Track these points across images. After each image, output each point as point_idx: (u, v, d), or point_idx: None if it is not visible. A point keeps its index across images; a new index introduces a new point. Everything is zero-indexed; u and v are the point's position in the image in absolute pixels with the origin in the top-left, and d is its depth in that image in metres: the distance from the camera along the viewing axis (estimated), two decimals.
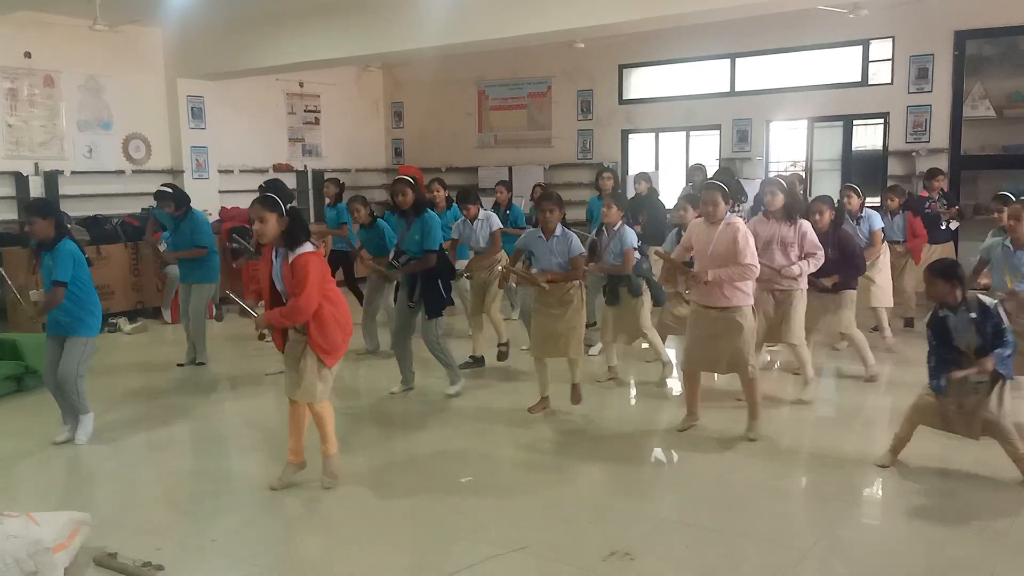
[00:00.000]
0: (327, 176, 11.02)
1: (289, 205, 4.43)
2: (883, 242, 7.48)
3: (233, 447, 5.66)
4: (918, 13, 10.15)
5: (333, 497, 4.49)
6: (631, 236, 6.22)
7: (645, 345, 6.87)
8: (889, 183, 10.46)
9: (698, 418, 5.47)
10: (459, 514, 4.27)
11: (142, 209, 10.79)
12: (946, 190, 9.27)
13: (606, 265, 6.23)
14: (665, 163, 12.40)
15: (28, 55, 10.04)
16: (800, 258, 5.77)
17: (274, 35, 10.11)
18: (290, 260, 4.32)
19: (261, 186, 7.36)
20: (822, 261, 5.85)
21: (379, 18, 9.35)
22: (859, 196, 7.27)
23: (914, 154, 10.50)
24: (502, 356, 7.20)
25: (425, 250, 6.04)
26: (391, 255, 6.54)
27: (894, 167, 10.67)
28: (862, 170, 11.08)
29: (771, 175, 11.39)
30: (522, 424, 5.72)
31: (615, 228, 6.22)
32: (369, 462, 4.60)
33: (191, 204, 7.49)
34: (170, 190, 7.49)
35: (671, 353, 6.75)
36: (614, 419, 5.92)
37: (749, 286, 5.19)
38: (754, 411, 5.31)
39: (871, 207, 7.75)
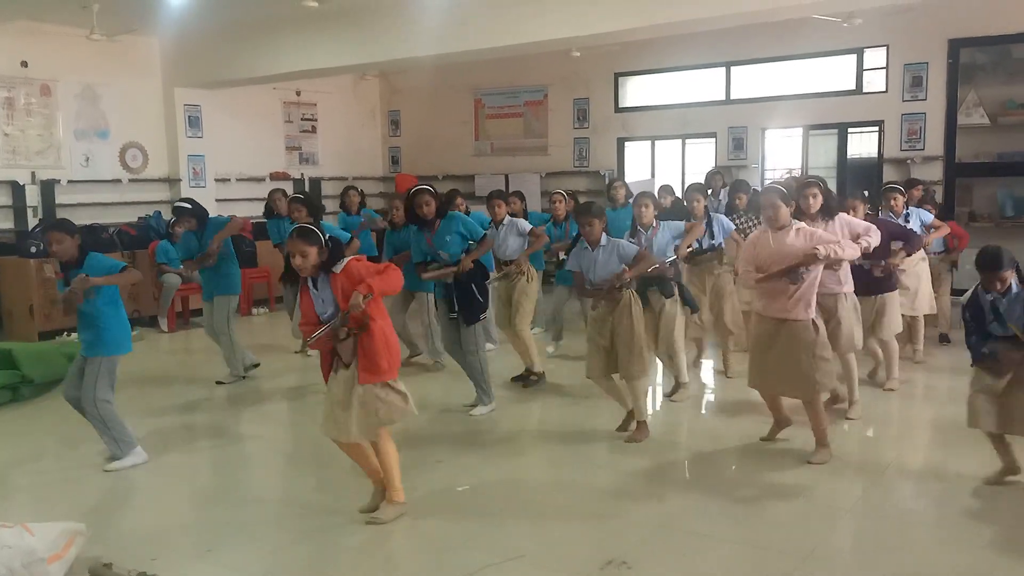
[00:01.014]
0: (347, 185, 9.73)
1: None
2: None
3: (229, 456, 5.64)
4: (912, 22, 10.20)
5: (327, 507, 4.48)
6: (675, 227, 5.97)
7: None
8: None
9: (788, 424, 5.20)
10: (455, 523, 4.26)
11: (139, 218, 10.82)
12: (921, 204, 9.08)
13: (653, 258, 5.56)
14: (661, 171, 12.42)
15: (25, 64, 10.05)
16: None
17: (271, 44, 10.14)
18: (338, 273, 3.99)
19: (297, 196, 6.93)
20: (878, 237, 5.40)
21: (376, 27, 9.39)
22: (903, 195, 7.00)
23: (909, 162, 10.54)
24: (529, 382, 6.71)
25: (478, 240, 5.85)
26: (421, 265, 6.00)
27: (889, 175, 10.68)
28: (857, 178, 11.12)
29: (767, 182, 11.46)
30: (518, 432, 5.72)
31: (653, 226, 5.91)
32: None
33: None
34: (189, 205, 6.93)
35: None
36: (611, 426, 5.91)
37: (813, 300, 4.85)
38: (820, 436, 4.93)
39: (868, 213, 7.62)
